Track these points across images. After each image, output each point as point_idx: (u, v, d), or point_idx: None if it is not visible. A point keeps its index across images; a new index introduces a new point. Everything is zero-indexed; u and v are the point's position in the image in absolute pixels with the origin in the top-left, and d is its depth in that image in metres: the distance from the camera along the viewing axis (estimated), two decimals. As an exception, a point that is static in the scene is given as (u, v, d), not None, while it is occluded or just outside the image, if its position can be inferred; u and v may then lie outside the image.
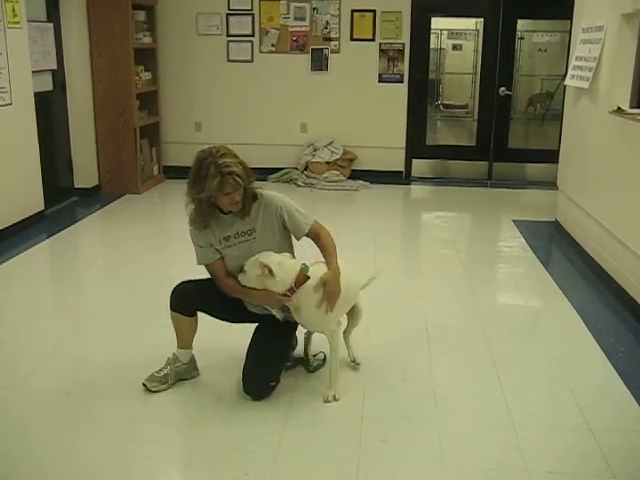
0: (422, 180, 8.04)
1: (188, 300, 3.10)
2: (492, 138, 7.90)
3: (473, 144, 8.26)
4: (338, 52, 7.66)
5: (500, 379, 3.28)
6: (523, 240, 5.63)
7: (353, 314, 3.30)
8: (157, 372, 3.17)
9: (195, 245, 3.09)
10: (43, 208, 6.06)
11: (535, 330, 3.99)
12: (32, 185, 5.91)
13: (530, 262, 5.12)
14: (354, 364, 3.33)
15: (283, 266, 2.93)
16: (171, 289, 3.14)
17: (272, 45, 7.70)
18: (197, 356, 3.27)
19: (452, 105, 13.30)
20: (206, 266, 3.09)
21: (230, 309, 3.11)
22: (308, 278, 2.96)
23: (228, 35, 7.72)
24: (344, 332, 3.33)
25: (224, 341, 3.42)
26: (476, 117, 8.54)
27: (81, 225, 6.15)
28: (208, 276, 3.12)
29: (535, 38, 10.05)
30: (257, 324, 3.16)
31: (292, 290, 2.94)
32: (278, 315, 3.07)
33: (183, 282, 3.14)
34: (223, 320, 3.20)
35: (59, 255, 5.44)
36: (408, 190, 7.83)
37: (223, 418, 2.95)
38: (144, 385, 3.13)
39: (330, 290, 2.97)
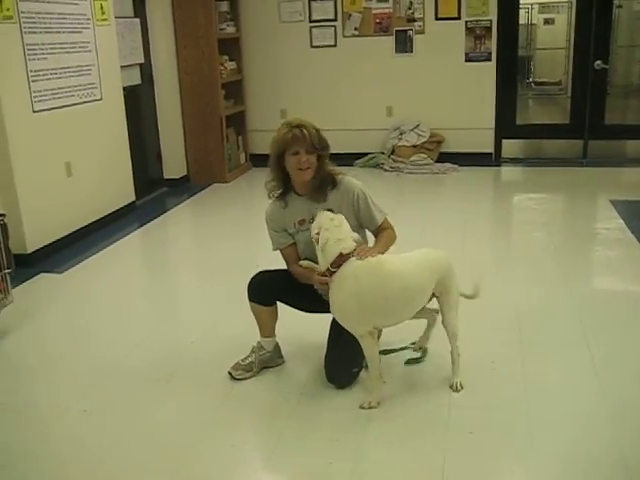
0: (513, 161, 7.77)
1: (265, 290, 3.10)
2: (587, 115, 7.52)
3: (567, 122, 7.89)
4: (423, 33, 7.47)
5: (597, 369, 3.10)
6: (621, 221, 5.32)
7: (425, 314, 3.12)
8: (242, 360, 3.18)
9: (270, 230, 3.08)
10: (134, 199, 6.23)
11: (636, 317, 3.75)
12: (123, 177, 6.09)
13: (629, 244, 4.83)
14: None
15: (336, 243, 2.75)
16: (255, 279, 3.15)
17: (355, 29, 7.60)
18: (282, 344, 3.26)
19: (544, 82, 12.82)
20: (282, 252, 3.08)
21: (307, 298, 3.08)
22: (347, 258, 2.74)
23: (311, 21, 7.66)
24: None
25: (309, 329, 3.38)
26: (569, 93, 8.16)
27: (170, 215, 6.30)
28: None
29: (636, 5, 9.49)
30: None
31: (328, 271, 2.78)
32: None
33: (260, 272, 3.14)
34: (301, 310, 3.18)
35: (150, 244, 5.59)
36: (498, 172, 7.58)
37: (307, 406, 2.92)
38: (229, 373, 3.15)
39: (362, 249, 2.81)
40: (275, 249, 3.11)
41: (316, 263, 2.93)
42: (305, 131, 2.85)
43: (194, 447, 2.67)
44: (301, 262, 3.01)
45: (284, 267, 3.13)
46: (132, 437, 2.76)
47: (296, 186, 3.00)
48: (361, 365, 3.06)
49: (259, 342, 3.21)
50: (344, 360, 3.01)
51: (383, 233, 3.05)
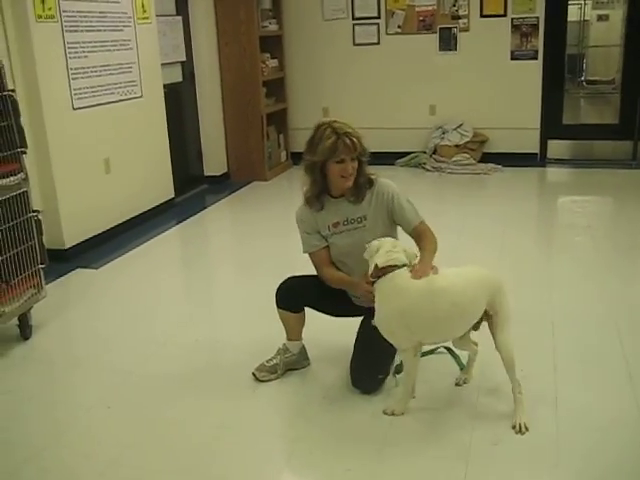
0: (559, 162, 7.56)
1: (292, 297, 3.06)
2: (638, 114, 7.27)
3: (616, 122, 7.63)
4: (467, 30, 7.34)
5: (632, 379, 2.98)
6: (669, 226, 5.14)
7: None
8: (267, 362, 3.16)
9: (301, 232, 3.03)
10: (173, 196, 6.27)
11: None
12: (163, 174, 6.13)
13: (676, 251, 4.66)
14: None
15: (387, 253, 2.66)
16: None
17: (398, 26, 7.51)
18: (308, 346, 3.22)
19: (597, 81, 12.46)
20: (310, 254, 3.02)
21: (336, 304, 3.04)
22: (383, 270, 2.64)
23: (354, 18, 7.61)
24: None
25: (337, 332, 3.33)
26: (619, 92, 7.89)
27: (209, 212, 6.33)
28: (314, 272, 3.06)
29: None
30: (363, 317, 3.05)
31: (368, 281, 2.71)
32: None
33: (289, 278, 3.10)
34: (329, 314, 3.14)
35: (187, 241, 5.63)
36: (543, 173, 7.39)
37: (329, 411, 2.87)
38: (253, 374, 3.12)
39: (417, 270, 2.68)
40: (306, 251, 3.04)
41: (349, 268, 2.92)
42: (355, 139, 2.78)
43: (212, 447, 2.66)
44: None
45: (312, 273, 3.08)
46: (153, 435, 2.76)
47: (333, 189, 2.94)
48: (387, 372, 3.00)
49: (285, 344, 3.18)
50: (370, 365, 2.95)
51: (425, 240, 2.89)
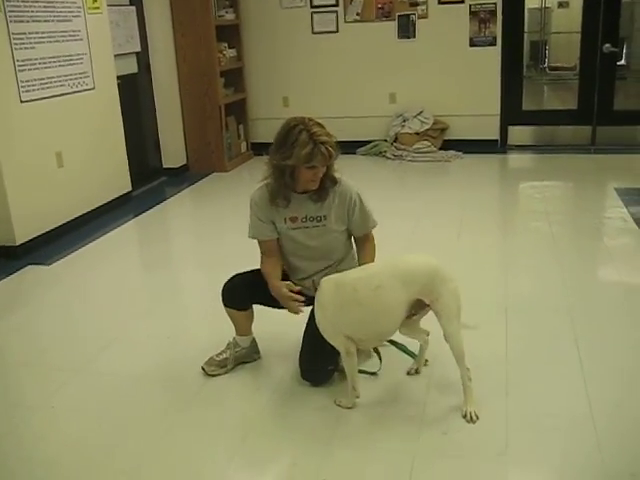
0: (519, 148, 7.58)
1: (238, 295, 3.01)
2: (595, 100, 7.31)
3: (574, 107, 7.67)
4: (426, 17, 7.30)
5: (582, 365, 2.98)
6: (625, 210, 5.16)
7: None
8: (217, 356, 3.11)
9: (253, 215, 2.94)
10: (130, 189, 6.17)
11: (629, 311, 3.60)
12: (118, 167, 6.02)
13: (631, 234, 4.68)
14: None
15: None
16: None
17: (357, 14, 7.45)
18: (259, 339, 3.18)
19: (559, 67, 12.54)
20: (259, 242, 2.97)
21: None
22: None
23: (312, 6, 7.53)
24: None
25: (288, 324, 3.26)
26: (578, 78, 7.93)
27: (168, 204, 6.24)
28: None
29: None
30: (311, 309, 3.01)
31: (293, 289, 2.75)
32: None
33: (234, 276, 3.04)
34: (276, 308, 3.08)
35: (144, 235, 5.54)
36: (504, 159, 7.41)
37: (278, 404, 2.84)
38: (203, 369, 3.07)
39: None
40: (254, 238, 2.97)
41: (302, 263, 2.92)
42: (330, 149, 2.70)
43: (158, 444, 2.61)
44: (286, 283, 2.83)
45: (256, 267, 3.02)
46: (98, 435, 2.70)
47: (298, 187, 2.84)
48: (337, 363, 2.96)
49: (235, 338, 3.13)
50: (319, 357, 2.91)
51: (367, 250, 2.98)
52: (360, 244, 3.02)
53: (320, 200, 2.87)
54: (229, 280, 3.04)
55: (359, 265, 2.93)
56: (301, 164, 2.70)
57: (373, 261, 2.93)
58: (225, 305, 3.04)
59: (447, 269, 2.69)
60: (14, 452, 2.62)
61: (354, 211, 2.91)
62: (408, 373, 2.99)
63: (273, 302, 2.96)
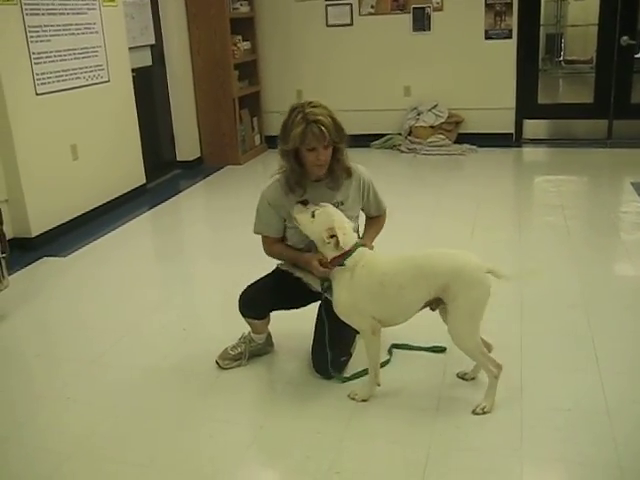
0: (534, 142, 7.53)
1: (254, 307, 3.02)
2: (612, 93, 7.24)
3: (590, 101, 7.60)
4: (441, 10, 7.26)
5: (598, 361, 2.96)
6: (640, 204, 5.13)
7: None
8: (231, 349, 3.10)
9: (263, 212, 2.94)
10: (145, 182, 6.19)
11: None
12: (133, 160, 6.04)
13: (647, 229, 4.65)
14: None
15: (345, 237, 2.66)
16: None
17: (371, 7, 7.42)
18: (273, 332, 3.18)
19: (575, 60, 12.43)
20: (263, 237, 3.00)
21: (296, 298, 3.01)
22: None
23: (326, -1, 7.52)
24: None
25: (302, 317, 3.27)
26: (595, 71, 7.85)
27: (182, 197, 6.25)
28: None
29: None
30: (320, 302, 3.00)
31: (326, 265, 2.70)
32: (314, 284, 2.87)
33: (248, 287, 3.03)
34: (292, 309, 3.08)
35: (158, 227, 5.55)
36: (519, 153, 7.36)
37: (291, 397, 2.84)
38: (217, 363, 3.08)
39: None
40: (259, 233, 2.99)
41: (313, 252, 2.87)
42: (323, 128, 2.67)
43: (174, 436, 2.62)
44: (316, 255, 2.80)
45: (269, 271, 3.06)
46: (112, 426, 2.72)
47: (310, 175, 2.84)
48: (349, 353, 2.97)
49: (250, 334, 3.12)
50: (332, 349, 2.90)
51: (377, 223, 3.08)
52: (369, 220, 3.11)
53: (336, 188, 2.88)
54: (244, 292, 3.02)
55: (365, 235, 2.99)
56: (298, 145, 2.70)
57: (377, 234, 3.04)
58: (243, 315, 3.05)
59: (479, 273, 2.57)
60: (31, 442, 2.64)
61: (369, 193, 2.98)
62: (463, 378, 2.90)
63: (286, 304, 3.03)
